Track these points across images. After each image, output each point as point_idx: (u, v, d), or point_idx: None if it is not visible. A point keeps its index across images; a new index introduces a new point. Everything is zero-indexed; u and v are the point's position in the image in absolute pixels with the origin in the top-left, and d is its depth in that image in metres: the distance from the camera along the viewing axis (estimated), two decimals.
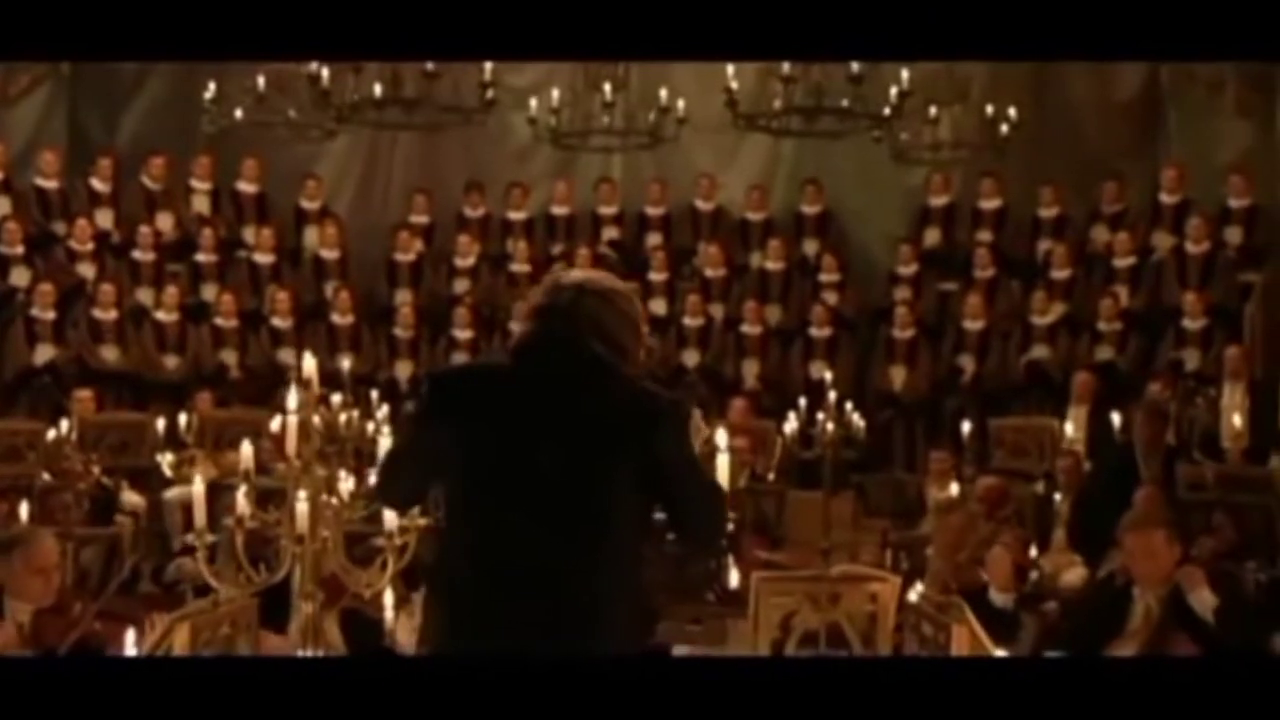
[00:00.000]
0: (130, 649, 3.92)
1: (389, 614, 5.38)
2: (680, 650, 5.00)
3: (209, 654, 4.14)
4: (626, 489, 3.45)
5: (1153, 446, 8.77)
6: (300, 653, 3.82)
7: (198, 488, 3.88)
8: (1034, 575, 7.28)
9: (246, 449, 3.95)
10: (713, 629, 5.03)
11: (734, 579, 5.10)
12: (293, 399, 3.90)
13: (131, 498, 9.80)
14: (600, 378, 3.50)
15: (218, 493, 7.80)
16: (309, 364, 3.90)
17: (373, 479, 5.00)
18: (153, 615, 5.15)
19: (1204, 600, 5.20)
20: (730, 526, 3.56)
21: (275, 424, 9.06)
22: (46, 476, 9.39)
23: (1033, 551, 6.38)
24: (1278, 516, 7.56)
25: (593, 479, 3.43)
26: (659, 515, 3.54)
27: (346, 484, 4.79)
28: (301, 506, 3.71)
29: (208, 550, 3.70)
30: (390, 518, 3.82)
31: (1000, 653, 3.86)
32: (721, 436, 3.85)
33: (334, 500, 3.98)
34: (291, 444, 3.77)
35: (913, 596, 4.48)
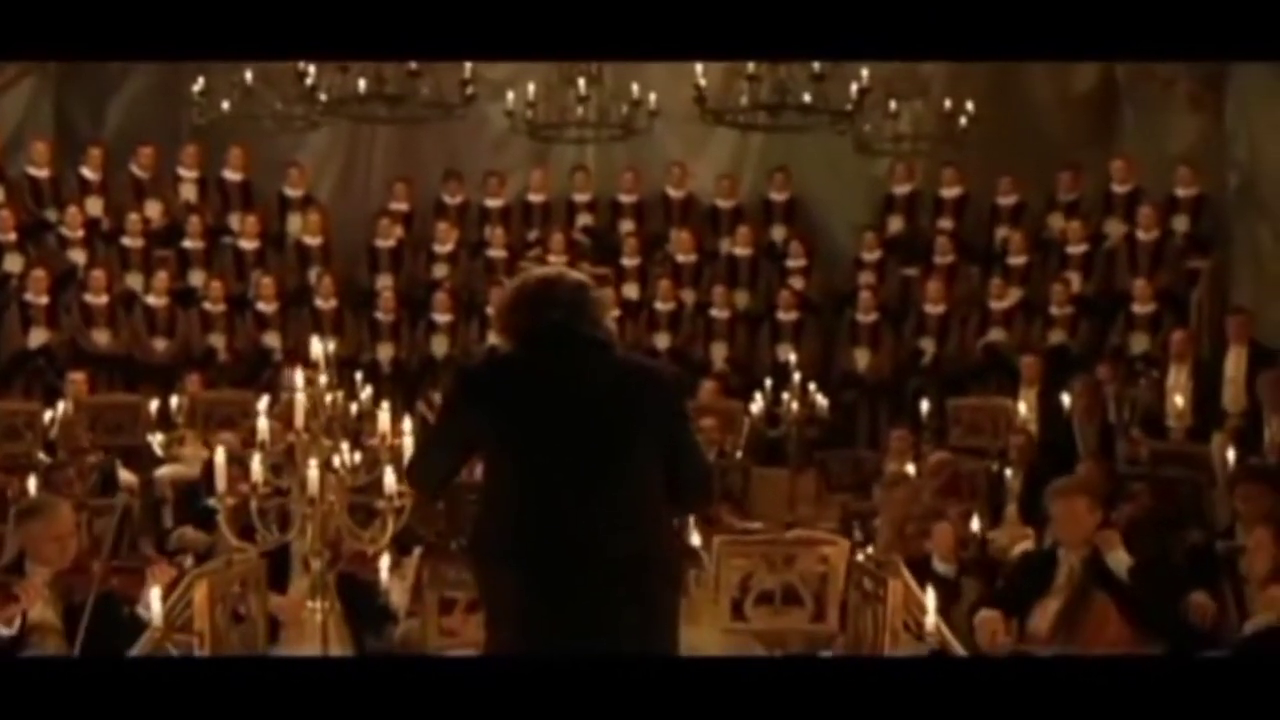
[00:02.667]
0: (155, 603, 4.36)
1: (384, 575, 5.85)
2: None
3: (221, 613, 4.58)
4: (644, 451, 3.86)
5: (1088, 419, 9.26)
6: (310, 604, 4.26)
7: (219, 456, 4.32)
8: (988, 546, 7.75)
9: (263, 423, 4.41)
10: None
11: (696, 539, 5.57)
12: (299, 378, 4.35)
13: (125, 476, 10.18)
14: (604, 356, 3.93)
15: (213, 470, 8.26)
16: (316, 347, 4.35)
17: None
18: (156, 567, 5.58)
19: (1119, 560, 5.71)
20: None
21: (262, 404, 9.51)
22: (42, 455, 9.79)
23: (975, 523, 6.87)
24: (1205, 489, 8.10)
25: (617, 444, 3.84)
26: None
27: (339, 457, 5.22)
28: (312, 473, 4.16)
29: (229, 512, 4.15)
30: (390, 483, 4.25)
31: (931, 603, 4.31)
32: None
33: (338, 470, 4.41)
34: (300, 418, 4.21)
35: (859, 558, 4.94)
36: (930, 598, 4.31)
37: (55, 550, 5.38)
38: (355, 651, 5.82)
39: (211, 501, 4.56)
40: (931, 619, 4.46)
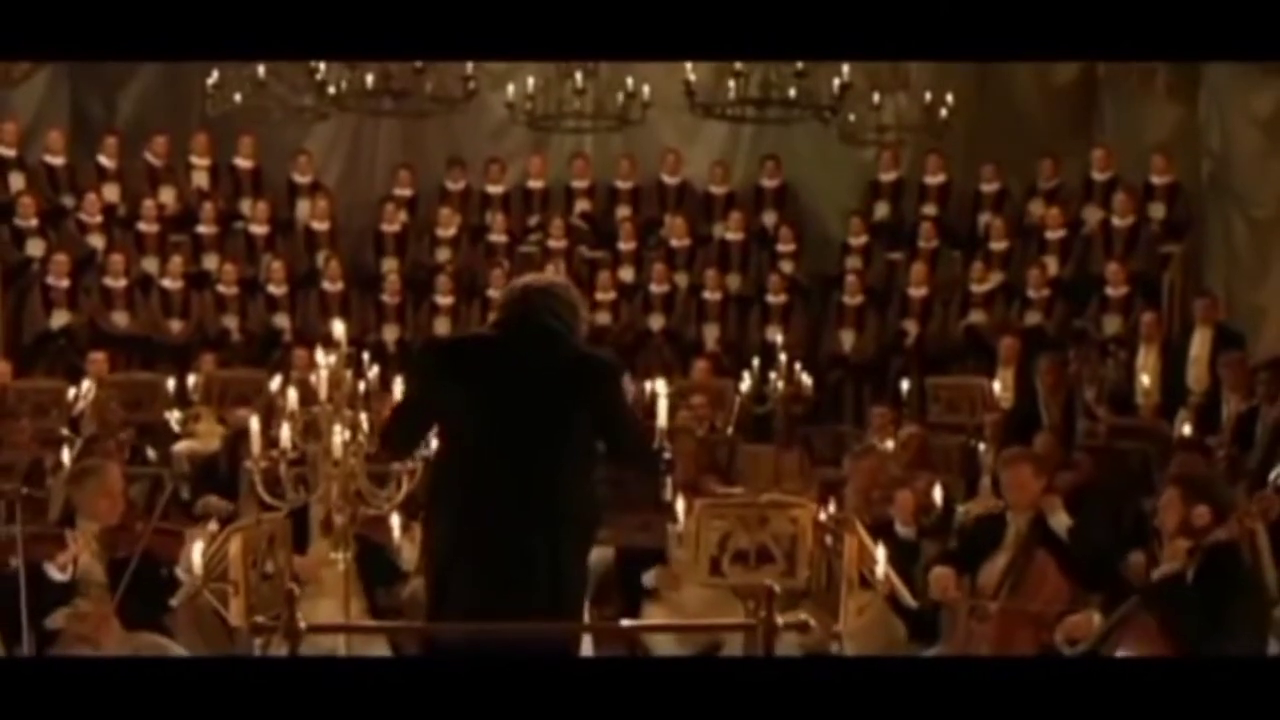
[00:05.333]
0: (197, 555, 4.92)
1: (396, 534, 6.41)
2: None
3: (253, 574, 5.10)
4: (579, 424, 4.55)
5: (1053, 395, 9.77)
6: (334, 555, 4.81)
7: (254, 424, 4.87)
8: (961, 515, 8.28)
9: (291, 392, 4.96)
10: (654, 533, 6.11)
11: (680, 505, 6.07)
12: (320, 356, 4.89)
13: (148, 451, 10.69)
14: (553, 345, 4.59)
15: (233, 443, 8.82)
16: (338, 328, 4.91)
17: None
18: (192, 530, 6.16)
19: (1060, 522, 6.27)
20: (667, 456, 4.62)
21: (275, 382, 10.02)
22: (65, 431, 10.32)
23: (938, 492, 7.46)
24: (1155, 461, 8.68)
25: (555, 418, 4.51)
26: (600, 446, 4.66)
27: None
28: (336, 438, 4.72)
29: (261, 474, 4.70)
30: None
31: (880, 555, 4.85)
32: (661, 385, 4.90)
33: (359, 436, 4.96)
34: (324, 390, 4.77)
35: (821, 517, 5.48)
36: (880, 550, 4.85)
37: (107, 507, 5.98)
38: (368, 606, 6.39)
39: (247, 464, 5.10)
40: (881, 568, 5.01)
